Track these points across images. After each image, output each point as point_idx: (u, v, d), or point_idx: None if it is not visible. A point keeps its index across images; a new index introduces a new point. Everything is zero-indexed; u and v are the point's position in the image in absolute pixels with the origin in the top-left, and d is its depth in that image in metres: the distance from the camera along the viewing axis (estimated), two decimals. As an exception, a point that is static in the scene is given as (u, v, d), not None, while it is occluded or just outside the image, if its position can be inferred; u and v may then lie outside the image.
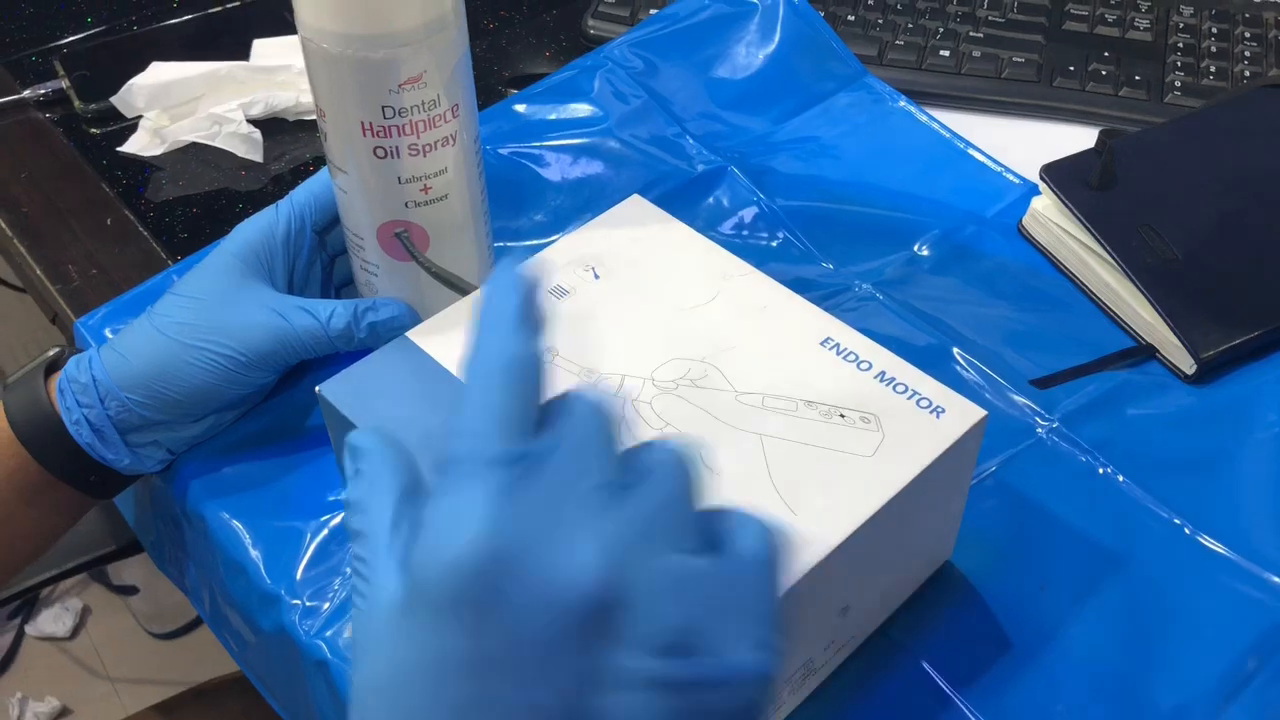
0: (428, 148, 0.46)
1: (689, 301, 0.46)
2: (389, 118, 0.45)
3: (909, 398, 0.43)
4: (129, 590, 1.41)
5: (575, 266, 0.48)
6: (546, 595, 0.26)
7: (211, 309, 0.49)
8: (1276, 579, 0.48)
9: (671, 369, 0.44)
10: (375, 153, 0.46)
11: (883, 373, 0.44)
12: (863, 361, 0.44)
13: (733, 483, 0.39)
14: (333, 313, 0.50)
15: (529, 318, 0.30)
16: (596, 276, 0.48)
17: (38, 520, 0.52)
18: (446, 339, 0.46)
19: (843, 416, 0.42)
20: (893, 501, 0.40)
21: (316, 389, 0.44)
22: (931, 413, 0.42)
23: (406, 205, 0.48)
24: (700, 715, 0.27)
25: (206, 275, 0.51)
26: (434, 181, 0.48)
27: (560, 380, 0.43)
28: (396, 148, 0.46)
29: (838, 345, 0.45)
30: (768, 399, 0.43)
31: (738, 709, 0.27)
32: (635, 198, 0.52)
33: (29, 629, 1.40)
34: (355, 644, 0.29)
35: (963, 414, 0.43)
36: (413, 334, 0.46)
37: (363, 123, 0.45)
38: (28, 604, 1.40)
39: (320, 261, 0.55)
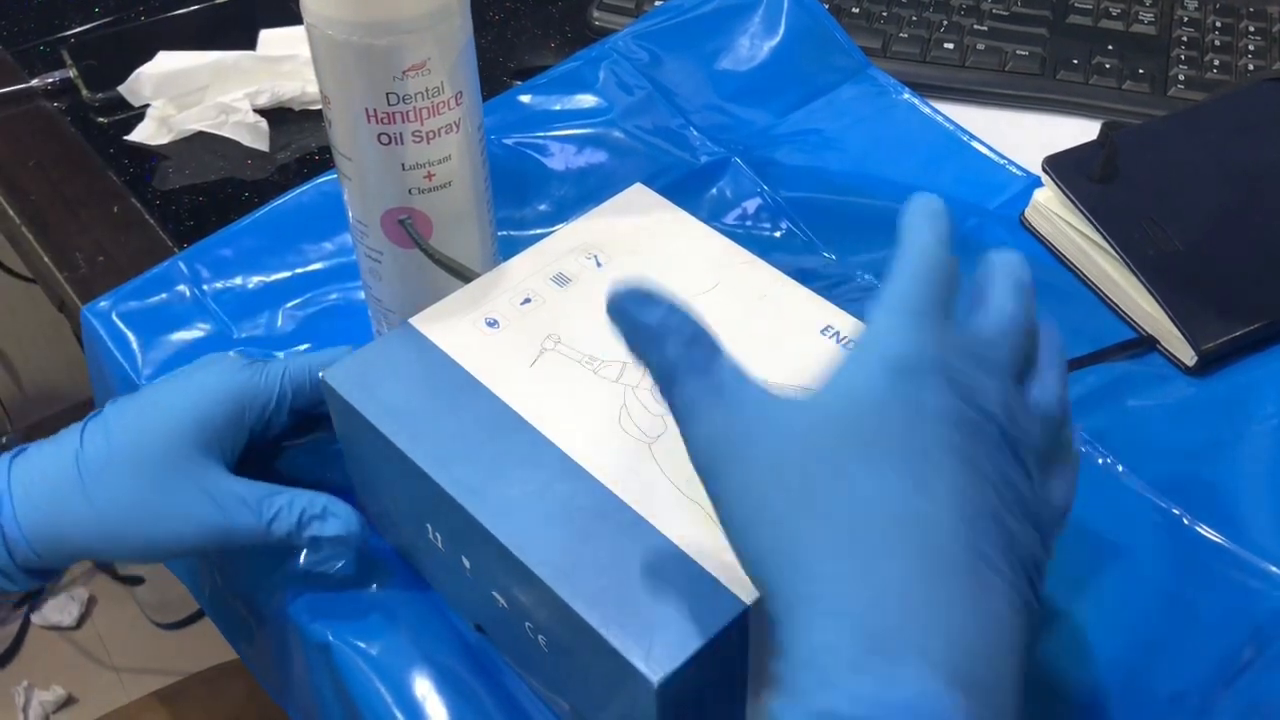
0: (431, 134, 0.47)
1: (690, 289, 0.46)
2: (393, 104, 0.45)
3: None
4: (134, 580, 1.42)
5: (577, 254, 0.48)
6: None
7: (145, 488, 0.44)
8: (1274, 568, 0.49)
9: None
10: (379, 139, 0.46)
11: None
12: None
13: None
14: (276, 515, 0.45)
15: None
16: (599, 264, 0.48)
17: None
18: (448, 326, 0.46)
19: None
20: None
21: (320, 374, 0.45)
22: None
23: (410, 192, 0.48)
24: None
25: (152, 439, 0.45)
26: (437, 168, 0.48)
27: (564, 367, 0.44)
28: (400, 134, 0.46)
29: (838, 333, 0.45)
30: (769, 387, 0.43)
31: None
32: (638, 186, 0.52)
33: (35, 618, 1.41)
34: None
35: None
36: (416, 320, 0.46)
37: (367, 109, 0.46)
38: (33, 593, 1.41)
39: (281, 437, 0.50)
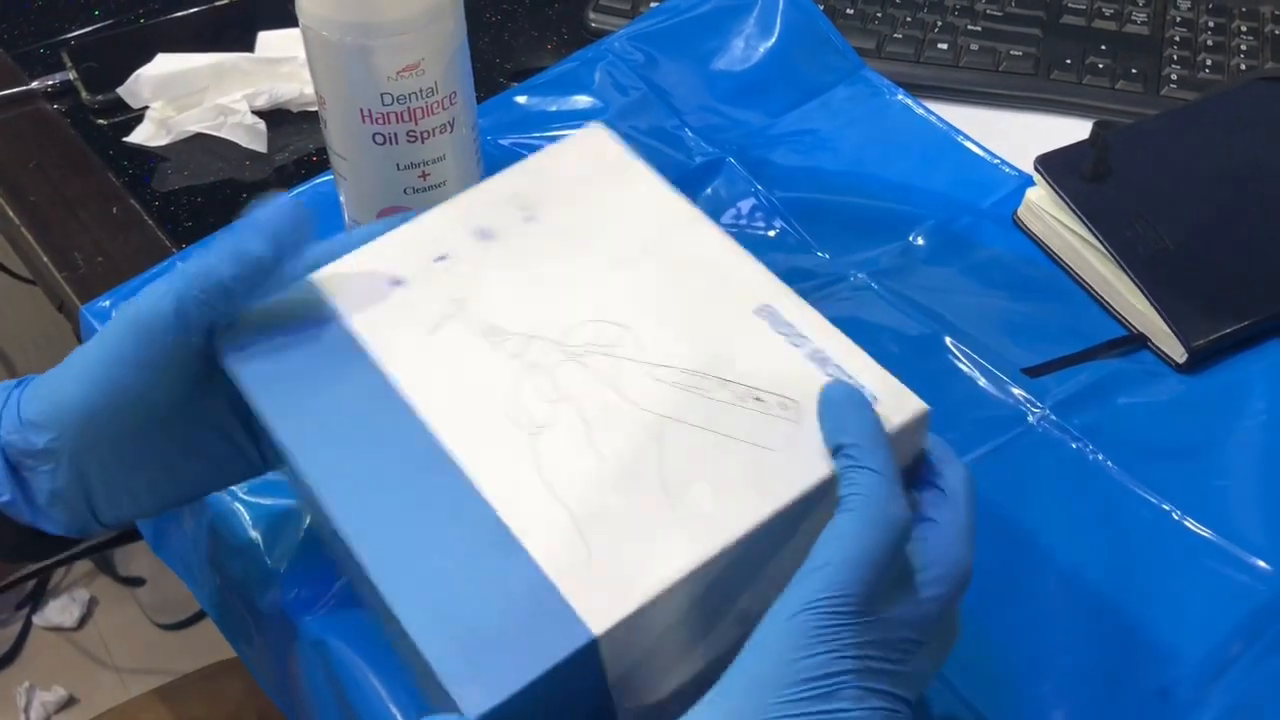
0: (425, 134, 0.47)
1: (624, 252, 0.42)
2: (387, 104, 0.46)
3: None
4: (136, 581, 1.42)
5: (508, 204, 0.43)
6: None
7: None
8: (1261, 563, 0.49)
9: (584, 332, 0.40)
10: (374, 139, 0.47)
11: (817, 351, 0.38)
12: (798, 336, 0.39)
13: (618, 471, 0.36)
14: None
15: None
16: (528, 219, 0.43)
17: None
18: (350, 283, 0.42)
19: (759, 400, 0.37)
20: (794, 504, 0.35)
21: (217, 341, 0.41)
22: None
23: (405, 191, 0.49)
24: None
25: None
26: (432, 168, 0.48)
27: (463, 339, 0.40)
28: (395, 134, 0.47)
29: (774, 314, 0.40)
30: (680, 374, 0.38)
31: None
32: (595, 125, 0.46)
33: (36, 619, 1.41)
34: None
35: (899, 406, 0.37)
36: (318, 276, 0.42)
37: (361, 109, 0.46)
38: (35, 594, 1.41)
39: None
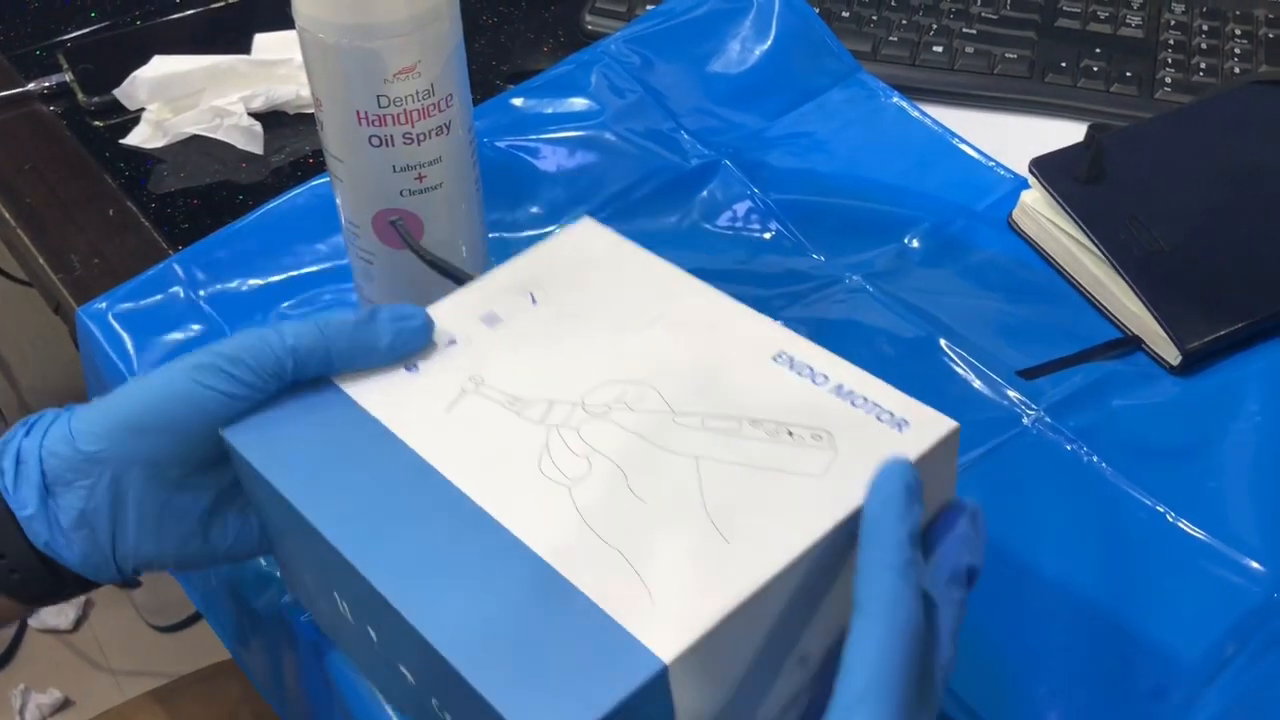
0: (422, 136, 0.47)
1: (632, 322, 0.42)
2: (383, 107, 0.46)
3: (868, 411, 0.38)
4: (131, 583, 1.42)
5: (512, 292, 0.44)
6: None
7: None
8: (1255, 564, 0.49)
9: (605, 392, 0.40)
10: (370, 141, 0.47)
11: (840, 386, 0.39)
12: (819, 375, 0.40)
13: (662, 511, 0.36)
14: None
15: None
16: (534, 302, 0.44)
17: None
18: (364, 374, 0.42)
19: (791, 434, 0.38)
20: (846, 523, 0.35)
21: (220, 431, 0.40)
22: (893, 426, 0.38)
23: (401, 193, 0.49)
24: None
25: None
26: (428, 170, 0.48)
27: (485, 410, 0.40)
28: (391, 136, 0.47)
29: (792, 359, 0.40)
30: (708, 419, 0.39)
31: None
32: (586, 220, 0.47)
33: (32, 621, 1.41)
34: None
35: (930, 426, 0.38)
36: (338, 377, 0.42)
37: (358, 111, 0.46)
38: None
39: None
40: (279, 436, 0.40)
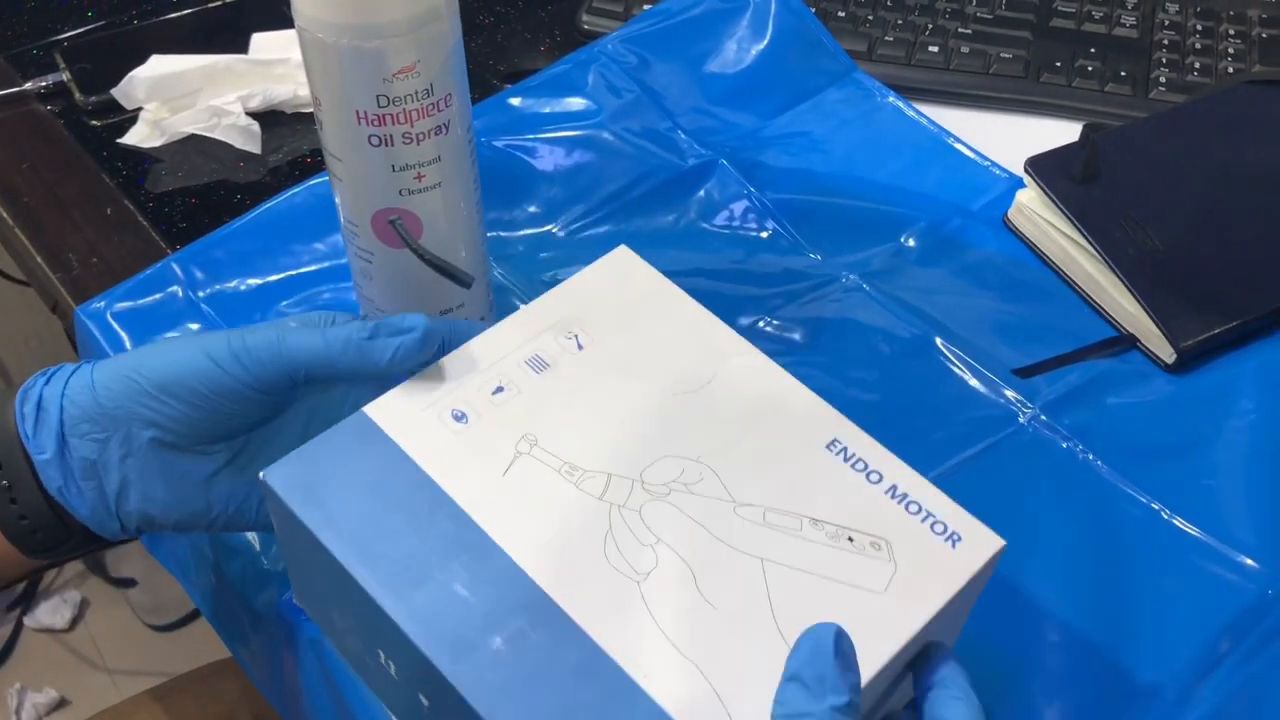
0: (421, 136, 0.47)
1: (683, 384, 0.42)
2: (383, 106, 0.46)
3: (923, 520, 0.39)
4: (127, 582, 1.42)
5: (556, 332, 0.43)
6: None
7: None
8: (1250, 562, 0.50)
9: (663, 469, 0.39)
10: (369, 141, 0.47)
11: (893, 487, 0.39)
12: (872, 472, 0.40)
13: (733, 618, 0.36)
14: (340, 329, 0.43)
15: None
16: (580, 346, 0.43)
17: None
18: (409, 418, 0.41)
19: (851, 540, 0.38)
20: (905, 647, 0.36)
21: (260, 474, 0.39)
22: (947, 540, 0.38)
23: (400, 193, 0.49)
24: None
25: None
26: (427, 170, 0.49)
27: (541, 476, 0.39)
28: (390, 136, 0.47)
29: (845, 450, 0.40)
30: (769, 513, 0.38)
31: None
32: (622, 249, 0.46)
33: (27, 620, 1.41)
34: None
35: (981, 543, 0.38)
36: (372, 409, 0.41)
37: (357, 111, 0.46)
38: (26, 595, 1.41)
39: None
40: (322, 483, 0.39)
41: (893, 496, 0.39)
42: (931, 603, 0.37)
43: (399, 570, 0.37)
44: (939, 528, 0.38)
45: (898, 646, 0.36)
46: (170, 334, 0.46)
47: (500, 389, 0.41)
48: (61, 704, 1.35)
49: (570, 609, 0.36)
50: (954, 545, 0.38)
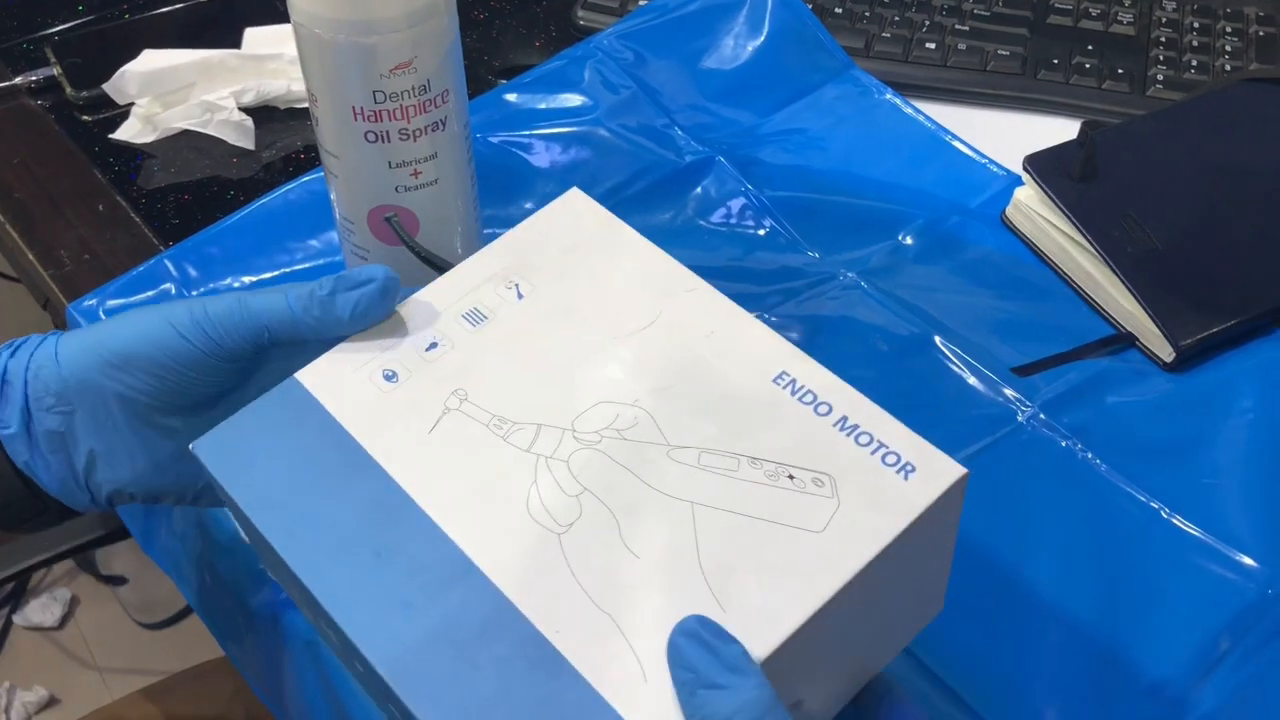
0: (418, 133, 0.47)
1: (625, 326, 0.40)
2: (379, 102, 0.46)
3: (874, 452, 0.36)
4: (118, 580, 1.41)
5: (495, 283, 0.41)
6: None
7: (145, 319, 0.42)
8: (1250, 561, 0.49)
9: (596, 416, 0.38)
10: (366, 137, 0.47)
11: (844, 419, 0.36)
12: (821, 403, 0.37)
13: (655, 568, 0.34)
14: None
15: None
16: (520, 295, 0.41)
17: None
18: (339, 381, 0.39)
19: (791, 478, 0.35)
20: (847, 587, 0.34)
21: (189, 446, 0.39)
22: (899, 472, 0.35)
23: (396, 189, 0.49)
24: None
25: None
26: (424, 166, 0.48)
27: (467, 432, 0.37)
28: (387, 132, 0.47)
29: (794, 382, 0.38)
30: (704, 455, 0.36)
31: None
32: (574, 191, 0.44)
33: (17, 618, 1.40)
34: None
35: (937, 473, 0.35)
36: (303, 375, 0.40)
37: (354, 107, 0.46)
38: (15, 593, 1.40)
39: None
40: (249, 454, 0.38)
41: (842, 429, 0.36)
42: (874, 541, 0.34)
43: (321, 541, 0.36)
44: (891, 459, 0.35)
45: (832, 591, 0.33)
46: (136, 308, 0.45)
47: (434, 345, 0.40)
48: (51, 702, 1.34)
49: (486, 566, 0.35)
50: (906, 477, 0.35)
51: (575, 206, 0.43)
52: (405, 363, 0.40)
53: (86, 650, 1.39)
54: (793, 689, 0.35)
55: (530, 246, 0.42)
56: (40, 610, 1.40)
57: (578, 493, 0.36)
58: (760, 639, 0.33)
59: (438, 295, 0.42)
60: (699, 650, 0.32)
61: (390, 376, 0.39)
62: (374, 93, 0.46)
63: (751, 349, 0.39)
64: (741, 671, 0.32)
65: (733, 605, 0.33)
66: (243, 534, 0.45)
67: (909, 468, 0.35)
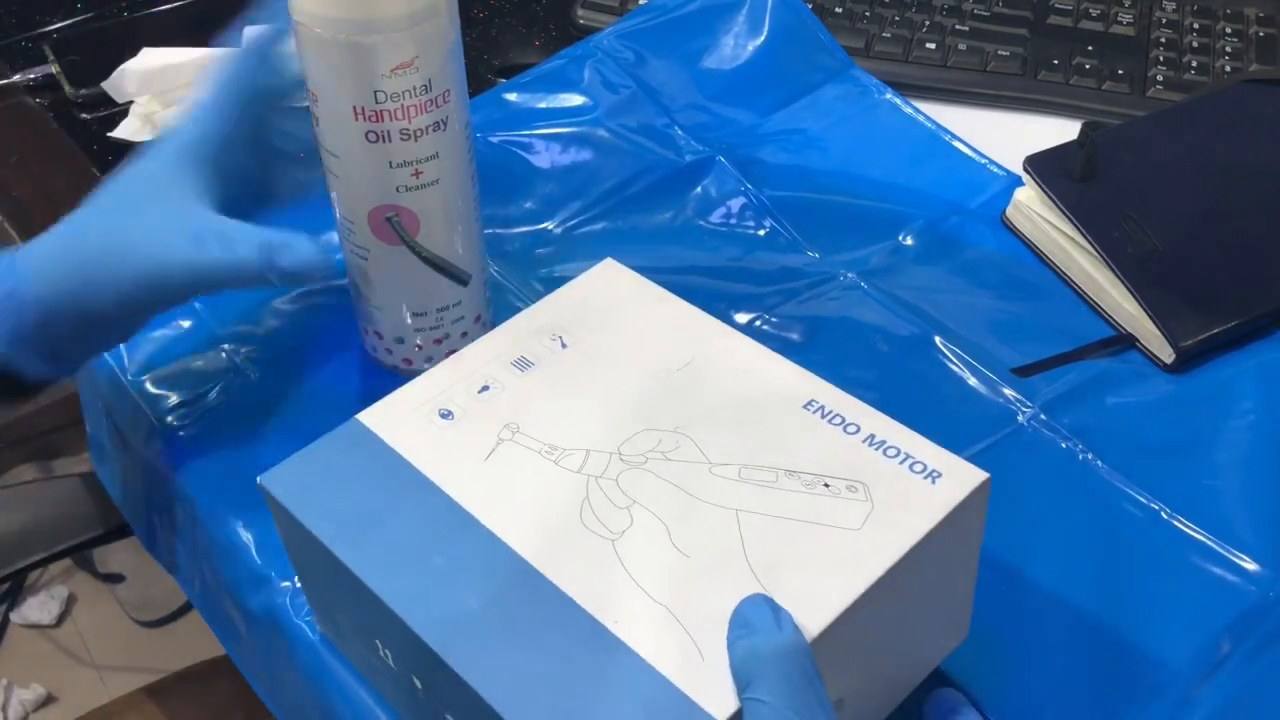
0: (419, 133, 0.47)
1: (662, 367, 0.43)
2: (380, 102, 0.46)
3: (901, 462, 0.39)
4: (115, 578, 1.41)
5: (541, 335, 0.45)
6: None
7: (128, 222, 0.48)
8: (1250, 563, 0.49)
9: (641, 441, 0.41)
10: (366, 137, 0.47)
11: (871, 436, 0.40)
12: (849, 424, 0.40)
13: (705, 565, 0.37)
14: (238, 248, 0.47)
15: None
16: (564, 345, 0.45)
17: None
18: (399, 420, 0.42)
19: (827, 486, 0.39)
20: (884, 578, 0.36)
21: (258, 480, 0.41)
22: (926, 478, 0.38)
23: (397, 189, 0.48)
24: None
25: (138, 178, 0.50)
26: (424, 166, 0.48)
27: (522, 459, 0.40)
28: (387, 132, 0.46)
29: (823, 408, 0.41)
30: (744, 469, 0.39)
31: None
32: (608, 261, 0.48)
33: (14, 616, 1.40)
34: None
35: (962, 478, 0.39)
36: (364, 416, 0.43)
37: (354, 106, 0.46)
38: (13, 591, 1.40)
39: (272, 149, 0.52)
40: (316, 484, 0.41)
41: (870, 444, 0.40)
42: (910, 535, 0.37)
43: (387, 554, 0.38)
44: (918, 467, 0.39)
45: (874, 577, 0.36)
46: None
47: (486, 388, 0.43)
48: (49, 700, 1.34)
49: (546, 570, 0.37)
50: (934, 481, 0.38)
51: (610, 272, 0.48)
52: (459, 403, 0.43)
53: (84, 648, 1.39)
54: (835, 683, 0.37)
55: (570, 306, 0.46)
56: (38, 608, 1.40)
57: (627, 505, 0.39)
58: (809, 620, 0.35)
59: (486, 348, 0.45)
60: (757, 610, 0.34)
61: (446, 415, 0.42)
62: (375, 92, 0.46)
63: (782, 382, 0.42)
64: (788, 628, 0.34)
65: (781, 594, 0.36)
66: (296, 574, 0.47)
67: (935, 473, 0.39)
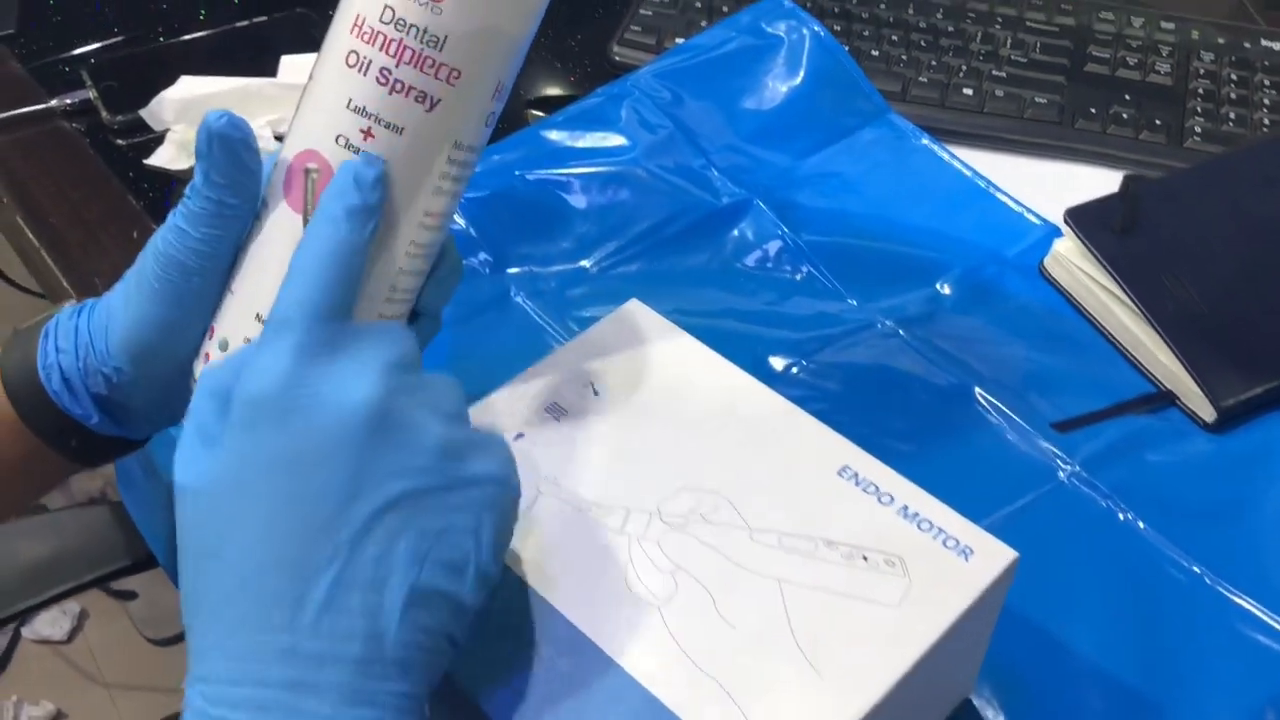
0: (398, 84, 0.38)
1: (696, 422, 0.44)
2: (385, 21, 0.38)
3: (935, 537, 0.40)
4: (128, 595, 1.41)
5: (574, 382, 0.45)
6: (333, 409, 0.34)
7: None
8: (1295, 631, 0.49)
9: (680, 501, 0.41)
10: (347, 58, 0.39)
11: (905, 507, 0.41)
12: (884, 494, 0.41)
13: (752, 637, 0.37)
14: None
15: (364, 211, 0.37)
16: (596, 393, 0.45)
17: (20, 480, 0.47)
18: None
19: (865, 559, 0.39)
20: (924, 656, 0.37)
21: None
22: (959, 554, 0.39)
23: (337, 140, 0.39)
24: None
25: None
26: (380, 131, 0.38)
27: (561, 514, 0.40)
28: (369, 61, 0.38)
29: (856, 475, 0.42)
30: (785, 538, 0.40)
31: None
32: (633, 302, 0.48)
33: (25, 632, 1.40)
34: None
35: (993, 556, 0.40)
36: None
37: (358, 15, 0.38)
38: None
39: None
40: None
41: (904, 516, 0.41)
42: (947, 613, 0.38)
43: None
44: (951, 543, 0.40)
45: (916, 656, 0.37)
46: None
47: (521, 435, 0.43)
48: (58, 717, 1.34)
49: (595, 636, 0.37)
50: (966, 559, 0.39)
51: (636, 315, 0.48)
52: None
53: (94, 665, 1.39)
54: None
55: (598, 351, 0.46)
56: (49, 624, 1.39)
57: (671, 570, 0.39)
58: (859, 698, 0.36)
59: (518, 393, 0.45)
60: None
61: None
62: (385, 8, 0.37)
63: (813, 444, 0.43)
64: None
65: (827, 670, 0.36)
66: None
67: (967, 550, 0.40)
